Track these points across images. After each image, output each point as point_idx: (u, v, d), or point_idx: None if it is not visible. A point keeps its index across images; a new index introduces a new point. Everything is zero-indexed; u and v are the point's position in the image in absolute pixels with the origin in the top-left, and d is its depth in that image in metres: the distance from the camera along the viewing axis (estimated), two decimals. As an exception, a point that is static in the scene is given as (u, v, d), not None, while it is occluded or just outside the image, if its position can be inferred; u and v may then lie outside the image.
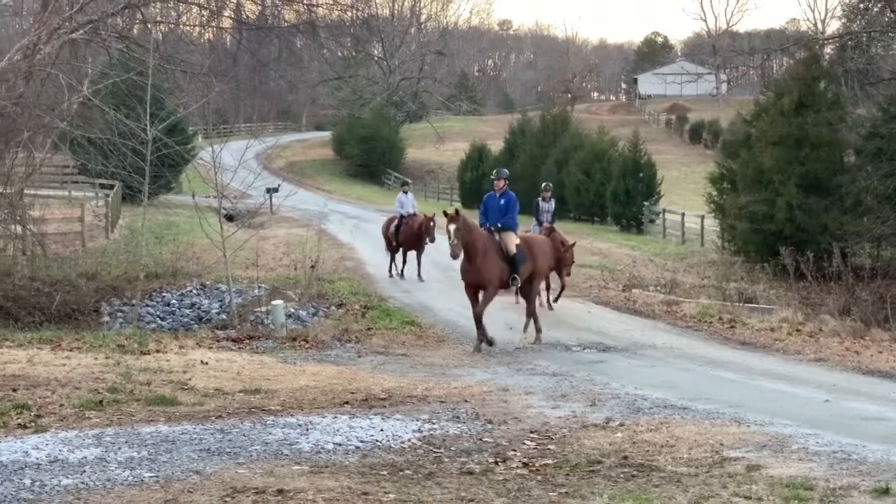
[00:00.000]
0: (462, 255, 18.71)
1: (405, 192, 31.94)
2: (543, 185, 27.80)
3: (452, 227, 18.21)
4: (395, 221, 30.46)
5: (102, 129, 26.53)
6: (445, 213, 18.83)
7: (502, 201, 19.48)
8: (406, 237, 29.98)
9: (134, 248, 30.95)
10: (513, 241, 19.19)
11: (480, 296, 19.21)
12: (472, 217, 20.88)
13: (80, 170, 43.55)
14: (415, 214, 30.46)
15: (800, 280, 28.12)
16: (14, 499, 9.03)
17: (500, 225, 19.27)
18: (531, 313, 20.23)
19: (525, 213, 23.84)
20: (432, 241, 29.47)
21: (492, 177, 20.17)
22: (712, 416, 13.18)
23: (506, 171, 20.30)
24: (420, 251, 29.81)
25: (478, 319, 18.95)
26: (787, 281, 28.77)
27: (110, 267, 30.02)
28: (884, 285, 28.26)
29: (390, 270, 30.29)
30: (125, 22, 33.09)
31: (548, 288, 24.75)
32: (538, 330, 20.09)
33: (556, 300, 24.97)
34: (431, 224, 29.27)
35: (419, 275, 29.51)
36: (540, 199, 26.92)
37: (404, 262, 30.16)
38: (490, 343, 19.07)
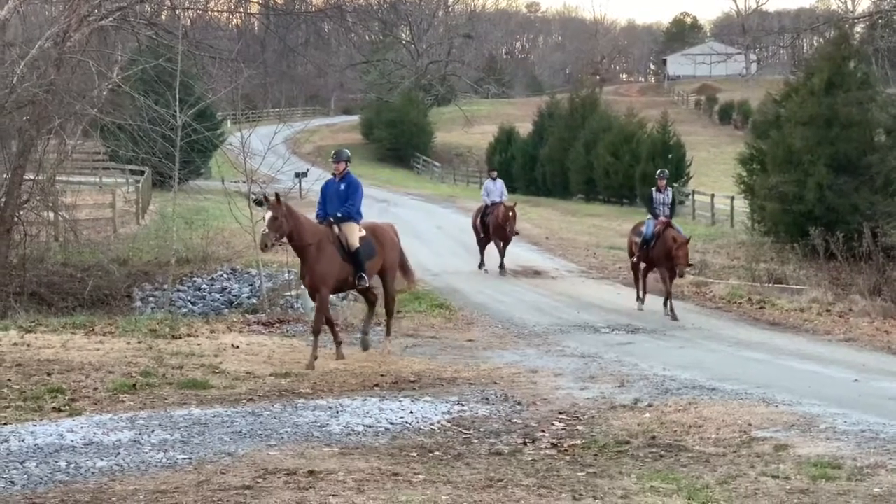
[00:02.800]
0: (272, 247, 15.90)
1: (493, 179, 29.42)
2: (658, 172, 23.41)
3: (269, 214, 15.16)
4: (483, 211, 28.52)
5: (132, 115, 26.69)
6: (265, 198, 15.74)
7: (342, 186, 16.21)
8: (494, 228, 27.89)
9: (164, 234, 31.18)
10: (355, 234, 15.95)
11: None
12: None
13: (110, 156, 43.81)
14: (501, 203, 28.16)
15: (830, 260, 27.99)
16: (49, 480, 9.18)
17: (339, 215, 15.93)
18: (391, 313, 17.23)
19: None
20: (515, 233, 28.11)
21: (330, 158, 17.06)
22: (740, 397, 13.22)
23: (346, 151, 17.24)
24: (506, 243, 27.89)
25: (315, 332, 15.70)
26: (816, 261, 28.62)
27: (141, 252, 30.27)
28: (915, 265, 28.10)
29: (481, 264, 28.26)
30: (153, 8, 33.23)
31: (668, 297, 21.67)
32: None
33: (669, 308, 21.46)
34: (510, 214, 27.54)
35: (501, 266, 27.56)
36: (654, 189, 22.78)
37: (499, 251, 27.84)
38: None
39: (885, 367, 15.90)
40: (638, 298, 22.49)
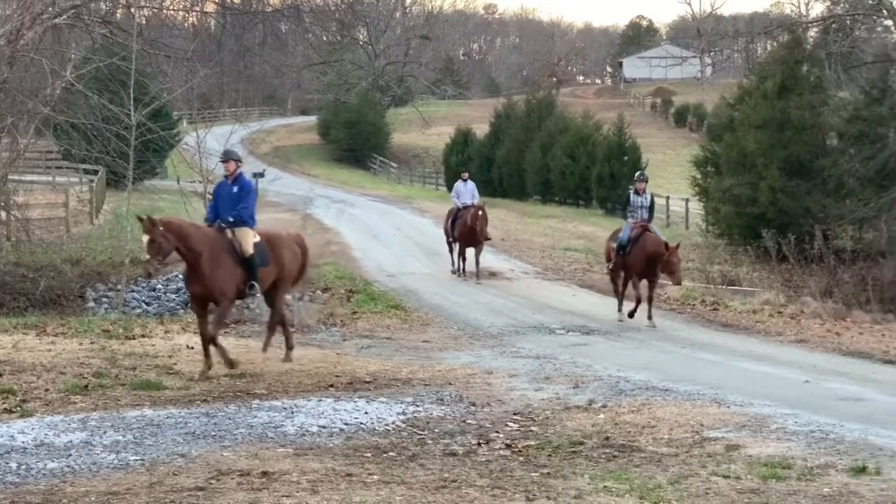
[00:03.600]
0: (157, 273, 15.06)
1: (464, 180, 28.29)
2: (638, 174, 22.34)
3: (145, 238, 14.13)
4: (454, 214, 27.45)
5: (86, 114, 26.49)
6: (140, 219, 14.53)
7: (235, 189, 15.18)
8: (461, 232, 26.83)
9: (119, 234, 30.99)
10: (249, 239, 14.94)
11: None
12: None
13: (63, 155, 43.46)
14: (472, 206, 26.98)
15: (782, 262, 28.29)
16: (0, 482, 9.11)
17: (231, 219, 14.91)
18: (284, 323, 16.37)
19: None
20: (487, 237, 27.19)
21: (220, 159, 16.17)
22: (693, 398, 13.32)
23: (236, 151, 16.40)
24: (477, 248, 26.83)
25: (208, 341, 14.66)
26: (769, 263, 28.90)
27: (95, 252, 30.04)
28: (865, 267, 28.45)
29: (452, 266, 27.61)
30: (108, 7, 33.05)
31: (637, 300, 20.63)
32: (290, 347, 16.02)
33: (649, 316, 20.60)
34: (480, 215, 26.44)
35: (477, 274, 26.81)
36: (632, 190, 21.63)
37: (463, 259, 27.14)
38: (232, 365, 14.83)
39: (835, 368, 16.07)
40: (619, 310, 21.23)
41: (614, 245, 21.45)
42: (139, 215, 14.82)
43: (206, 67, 31.98)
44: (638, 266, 20.64)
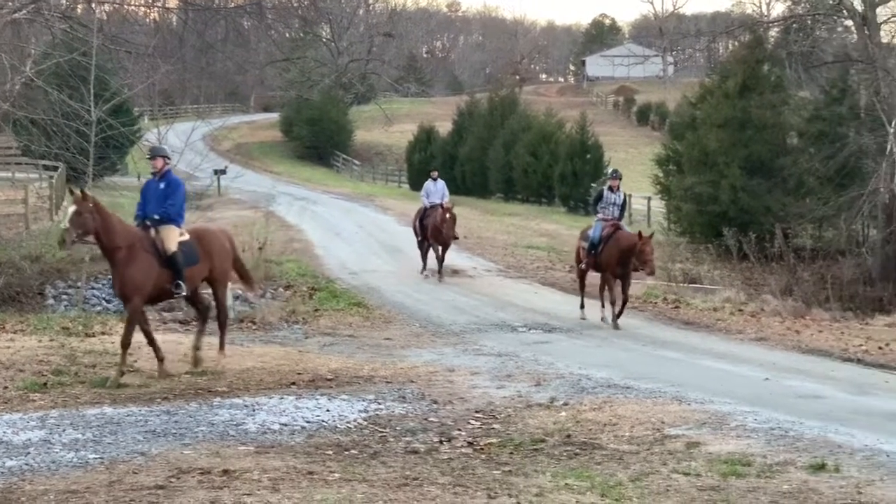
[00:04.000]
0: (71, 245, 14.41)
1: (434, 179, 27.78)
2: (612, 171, 21.67)
3: (72, 209, 13.77)
4: (422, 213, 27.16)
5: (46, 109, 26.27)
6: (70, 191, 14.10)
7: (162, 186, 14.69)
8: (431, 231, 26.53)
9: (79, 231, 30.65)
10: (173, 237, 14.43)
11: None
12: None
13: (23, 151, 42.97)
14: (441, 206, 26.69)
15: (743, 261, 28.53)
16: (-42, 481, 9.03)
17: (157, 217, 14.42)
18: (222, 325, 15.73)
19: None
20: (455, 237, 26.89)
21: (146, 156, 15.68)
22: (654, 395, 13.37)
23: (165, 147, 16.04)
24: (444, 247, 26.66)
25: (124, 346, 14.12)
26: (730, 261, 29.15)
27: (55, 249, 29.75)
28: (825, 266, 28.73)
29: (422, 269, 27.06)
30: (68, 2, 32.78)
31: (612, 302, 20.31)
32: (221, 346, 15.52)
33: (613, 317, 20.23)
34: (448, 216, 26.18)
35: (439, 272, 26.48)
36: (606, 188, 20.93)
37: (436, 258, 26.67)
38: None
39: (795, 365, 16.19)
40: (582, 307, 21.16)
41: (585, 244, 20.93)
42: (71, 187, 14.58)
43: (167, 63, 31.75)
44: (612, 264, 20.12)
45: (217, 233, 16.22)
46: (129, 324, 14.26)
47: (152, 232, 14.42)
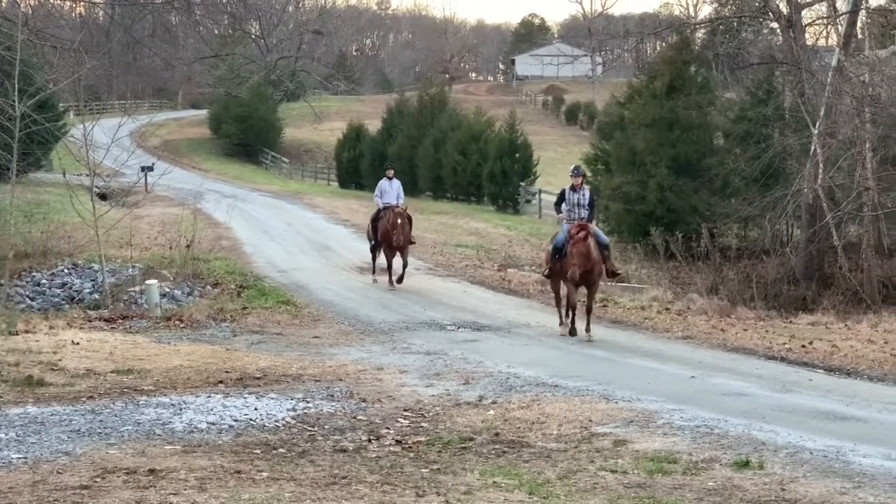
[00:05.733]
0: None
1: (389, 178, 25.51)
2: (573, 168, 19.72)
3: None
4: (376, 215, 25.14)
5: (-32, 104, 25.81)
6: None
7: None
8: (383, 235, 24.57)
9: (2, 227, 30.24)
10: None
11: None
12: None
13: (-56, 146, 42.32)
14: (396, 206, 24.76)
15: (670, 260, 28.77)
16: None
17: None
18: None
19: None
20: (411, 241, 25.05)
21: None
22: (582, 393, 13.47)
23: None
24: (400, 252, 24.56)
25: None
26: (658, 261, 29.35)
27: (-23, 246, 29.29)
28: (749, 265, 29.11)
29: (373, 272, 25.54)
30: (-7, -5, 32.27)
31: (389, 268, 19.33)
32: None
33: (586, 327, 18.56)
34: (399, 221, 24.12)
35: (391, 280, 24.63)
36: (568, 188, 19.23)
37: (388, 265, 24.95)
38: None
39: (720, 363, 16.38)
40: (561, 323, 19.23)
41: (551, 248, 19.34)
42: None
43: (93, 59, 31.35)
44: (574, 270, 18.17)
45: None
46: None
47: None
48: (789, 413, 12.51)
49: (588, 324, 18.65)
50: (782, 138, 32.95)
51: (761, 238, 32.50)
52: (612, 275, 19.63)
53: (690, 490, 9.13)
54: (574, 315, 18.87)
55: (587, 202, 19.04)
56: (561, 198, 19.34)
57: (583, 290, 19.16)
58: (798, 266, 30.29)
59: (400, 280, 24.50)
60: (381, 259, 25.36)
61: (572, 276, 18.33)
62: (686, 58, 37.95)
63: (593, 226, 19.29)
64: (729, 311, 22.06)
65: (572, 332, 18.59)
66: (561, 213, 19.36)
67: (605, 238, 19.56)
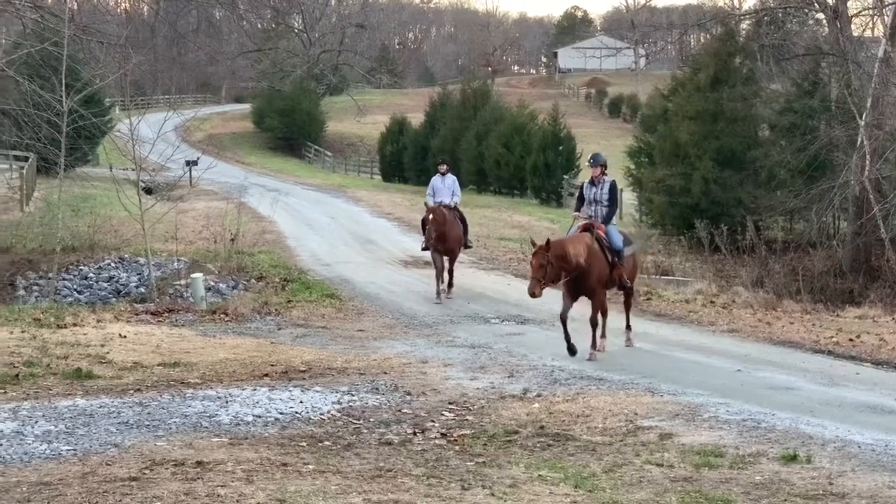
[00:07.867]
0: None
1: (441, 174, 22.56)
2: (589, 159, 17.08)
3: None
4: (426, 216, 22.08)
5: (16, 100, 26.16)
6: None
7: None
8: (437, 237, 21.59)
9: (50, 221, 30.55)
10: None
11: None
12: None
13: (-7, 142, 42.77)
14: (449, 205, 22.25)
15: (714, 253, 28.58)
16: (-71, 473, 8.98)
17: None
18: None
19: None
20: (467, 245, 23.05)
21: None
22: (627, 387, 13.43)
23: None
24: (451, 256, 22.18)
25: None
26: (702, 254, 29.19)
27: (25, 240, 29.63)
28: (795, 258, 28.87)
29: (437, 294, 22.02)
30: (39, -9, 32.50)
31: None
32: None
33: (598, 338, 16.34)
34: (430, 217, 21.50)
35: (447, 286, 22.22)
36: (587, 181, 16.81)
37: (449, 271, 22.33)
38: None
39: (766, 357, 16.27)
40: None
41: None
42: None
43: (139, 54, 31.67)
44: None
45: None
46: None
47: None
48: (837, 407, 12.42)
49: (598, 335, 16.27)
50: (828, 130, 32.68)
51: (807, 231, 32.25)
52: (622, 287, 17.06)
53: (737, 484, 9.09)
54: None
55: (606, 197, 16.41)
56: (580, 197, 16.84)
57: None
58: (845, 259, 30.04)
59: (448, 286, 22.25)
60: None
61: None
62: (731, 49, 37.67)
63: (611, 226, 16.49)
64: (775, 304, 21.89)
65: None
66: (578, 212, 16.83)
67: (619, 242, 16.44)
